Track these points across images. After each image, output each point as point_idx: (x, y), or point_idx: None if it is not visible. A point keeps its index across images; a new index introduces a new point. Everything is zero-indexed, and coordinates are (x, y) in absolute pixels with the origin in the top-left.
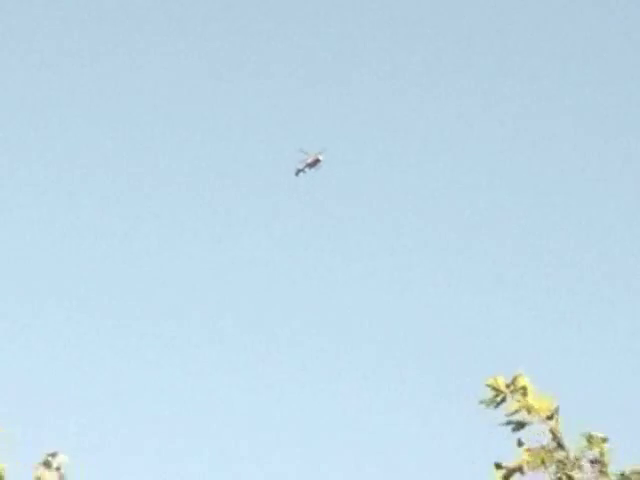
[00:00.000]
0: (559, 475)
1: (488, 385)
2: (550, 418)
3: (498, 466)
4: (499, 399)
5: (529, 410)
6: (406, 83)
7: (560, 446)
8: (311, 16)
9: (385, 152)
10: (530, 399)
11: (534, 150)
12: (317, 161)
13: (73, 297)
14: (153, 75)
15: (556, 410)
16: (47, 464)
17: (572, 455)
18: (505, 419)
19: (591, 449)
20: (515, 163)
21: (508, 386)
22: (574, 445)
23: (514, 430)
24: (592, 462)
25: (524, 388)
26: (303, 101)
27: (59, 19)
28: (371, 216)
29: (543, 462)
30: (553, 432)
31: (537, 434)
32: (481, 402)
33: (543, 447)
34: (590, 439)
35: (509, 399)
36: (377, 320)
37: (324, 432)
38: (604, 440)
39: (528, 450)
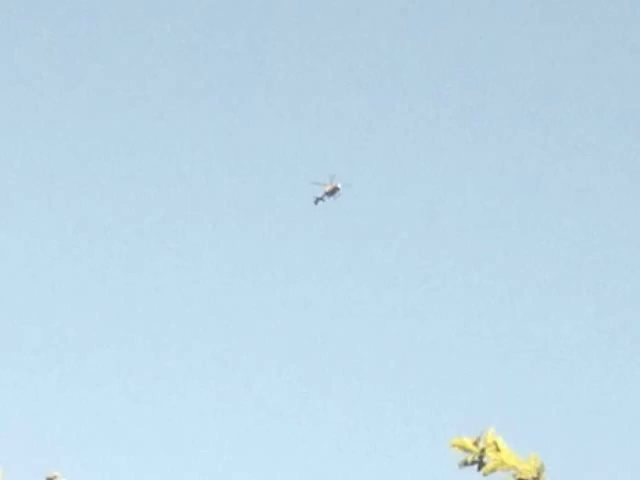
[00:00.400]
0: None
1: (454, 445)
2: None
3: None
4: (472, 459)
5: (508, 469)
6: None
7: None
8: (331, 42)
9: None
10: (505, 456)
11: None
12: (336, 189)
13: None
14: (170, 96)
15: (541, 468)
16: None
17: None
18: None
19: None
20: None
21: (476, 443)
22: None
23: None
24: None
25: (495, 443)
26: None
27: (58, 18)
28: (381, 234)
29: None
30: None
31: None
32: (459, 465)
33: None
34: None
35: (484, 458)
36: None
37: (325, 440)
38: None
39: None
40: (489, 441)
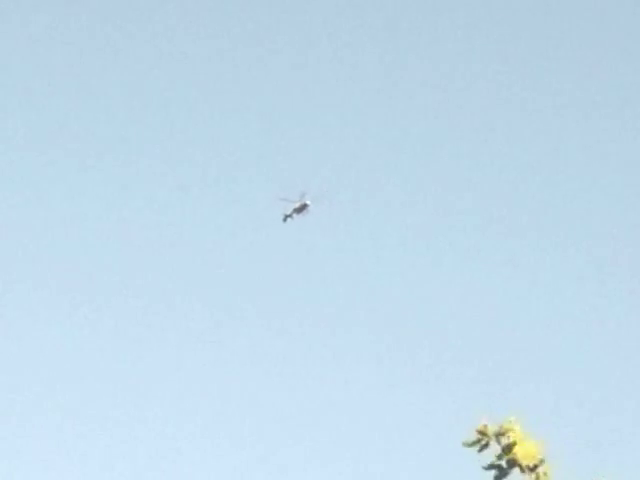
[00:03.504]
0: None
1: (478, 431)
2: (534, 469)
3: None
4: (483, 443)
5: (512, 460)
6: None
7: None
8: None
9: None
10: (516, 449)
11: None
12: (305, 206)
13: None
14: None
15: (542, 461)
16: None
17: None
18: (488, 462)
19: None
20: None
21: (497, 436)
22: None
23: (496, 478)
24: None
25: (513, 444)
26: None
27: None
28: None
29: None
30: None
31: None
32: (464, 444)
33: None
34: None
35: (493, 446)
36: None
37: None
38: None
39: None
40: (507, 438)
